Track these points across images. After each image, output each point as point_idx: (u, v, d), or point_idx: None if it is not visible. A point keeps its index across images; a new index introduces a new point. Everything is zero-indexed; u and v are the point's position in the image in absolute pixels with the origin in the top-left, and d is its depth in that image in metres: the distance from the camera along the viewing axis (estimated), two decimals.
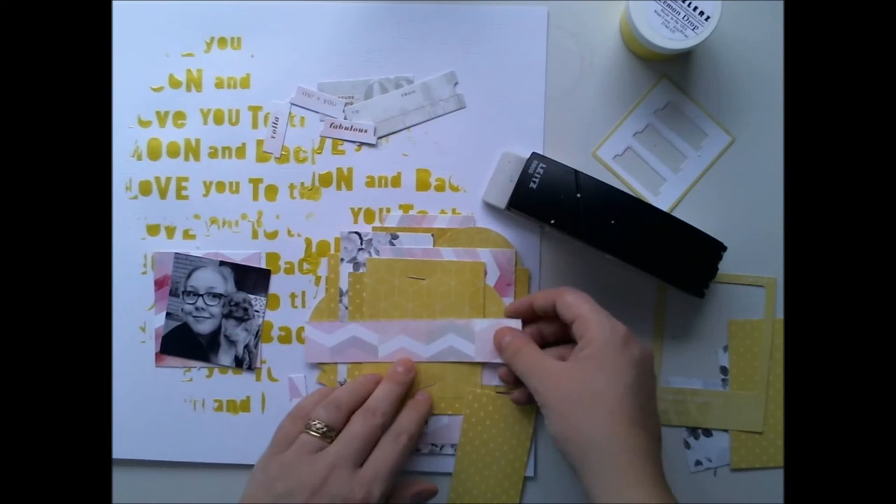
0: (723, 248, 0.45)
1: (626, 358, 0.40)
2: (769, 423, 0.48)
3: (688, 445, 0.49)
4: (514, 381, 0.46)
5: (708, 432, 0.48)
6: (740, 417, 0.48)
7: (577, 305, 0.42)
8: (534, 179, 0.45)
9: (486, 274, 0.48)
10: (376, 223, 0.49)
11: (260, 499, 0.41)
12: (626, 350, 0.40)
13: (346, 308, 0.49)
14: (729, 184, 0.48)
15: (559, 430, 0.40)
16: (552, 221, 0.44)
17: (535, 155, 0.45)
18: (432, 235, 0.49)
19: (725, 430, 0.48)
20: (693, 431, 0.48)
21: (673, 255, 0.45)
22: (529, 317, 0.47)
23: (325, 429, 0.43)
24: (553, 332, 0.46)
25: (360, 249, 0.49)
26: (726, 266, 0.47)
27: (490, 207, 0.49)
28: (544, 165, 0.45)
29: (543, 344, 0.46)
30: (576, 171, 0.45)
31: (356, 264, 0.49)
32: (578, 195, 0.44)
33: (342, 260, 0.49)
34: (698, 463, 0.48)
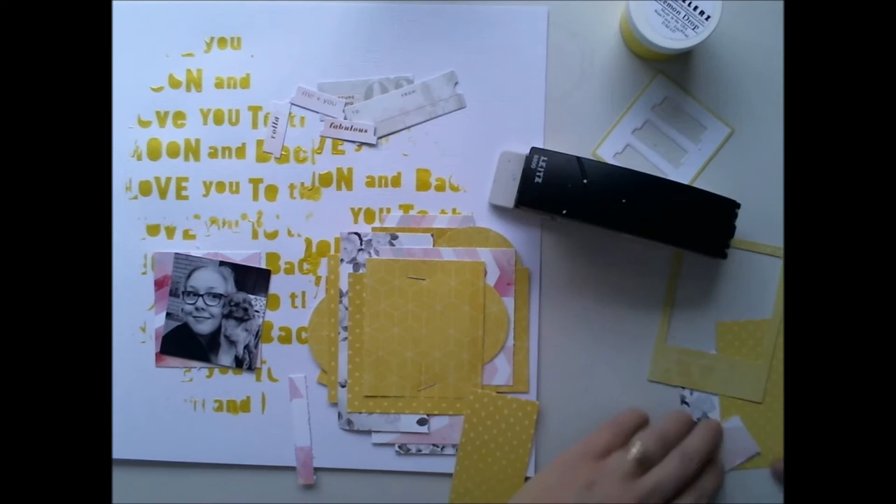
0: (736, 205, 0.45)
1: None
2: (771, 395, 0.48)
3: None
4: None
5: None
6: (741, 386, 0.48)
7: None
8: (538, 174, 0.45)
9: (486, 273, 0.48)
10: (376, 223, 0.49)
11: (565, 492, 0.42)
12: None
13: (347, 309, 0.49)
14: (730, 175, 0.48)
15: None
16: (564, 212, 0.44)
17: (535, 149, 0.45)
18: (432, 235, 0.49)
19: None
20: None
21: (689, 222, 0.44)
22: None
23: (643, 458, 0.43)
24: None
25: (359, 250, 0.49)
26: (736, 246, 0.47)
27: (496, 209, 0.49)
28: (546, 158, 0.45)
29: None
30: (578, 158, 0.44)
31: (356, 265, 0.49)
32: (585, 181, 0.44)
33: (342, 260, 0.49)
34: None
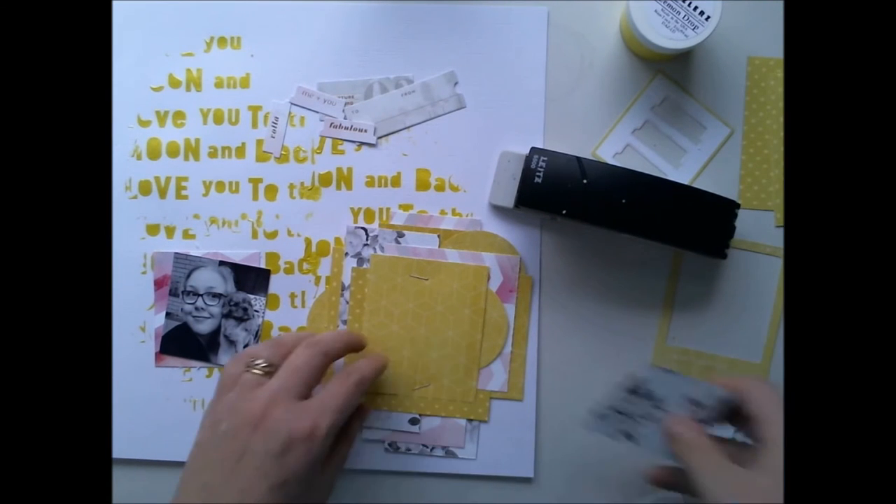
0: (736, 205, 0.45)
1: None
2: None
3: None
4: (664, 485, 0.43)
5: None
6: None
7: (766, 405, 0.39)
8: (537, 174, 0.45)
9: (489, 279, 0.48)
10: (376, 223, 0.49)
11: (207, 441, 0.39)
12: None
13: (348, 303, 0.49)
14: (730, 176, 0.48)
15: None
16: (563, 212, 0.44)
17: (534, 149, 0.45)
18: (438, 236, 0.49)
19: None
20: None
21: (688, 222, 0.44)
22: None
23: (266, 366, 0.41)
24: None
25: (365, 245, 0.49)
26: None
27: (495, 209, 0.49)
28: (545, 158, 0.45)
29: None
30: (578, 158, 0.44)
31: (360, 259, 0.49)
32: (585, 181, 0.44)
33: (346, 254, 0.49)
34: None
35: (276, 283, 0.49)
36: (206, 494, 0.37)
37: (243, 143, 0.49)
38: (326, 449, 0.40)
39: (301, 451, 0.38)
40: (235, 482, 0.37)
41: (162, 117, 0.50)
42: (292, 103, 0.49)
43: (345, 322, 0.49)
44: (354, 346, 0.45)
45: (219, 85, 0.49)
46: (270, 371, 0.41)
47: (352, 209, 0.49)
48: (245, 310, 0.49)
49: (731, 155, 0.48)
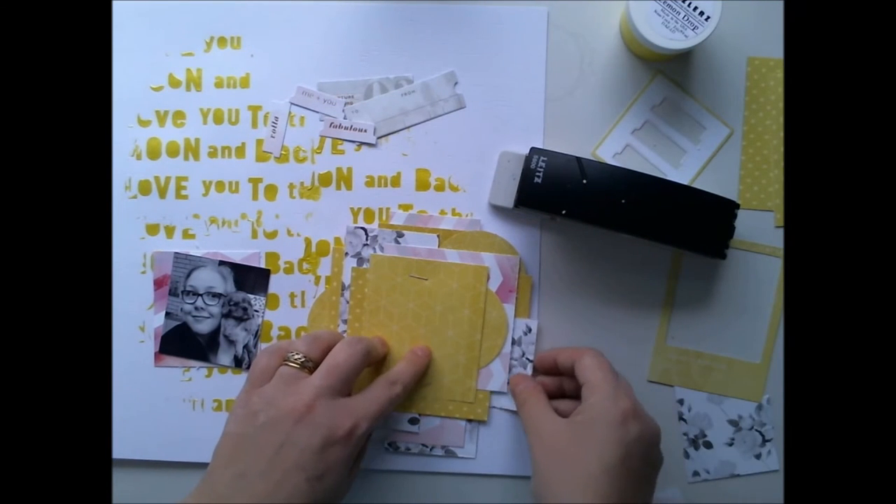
0: (736, 205, 0.45)
1: (617, 435, 0.39)
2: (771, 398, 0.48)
3: (687, 455, 0.48)
4: None
5: (708, 444, 0.48)
6: (740, 386, 0.48)
7: (592, 369, 0.42)
8: (537, 174, 0.45)
9: (488, 279, 0.48)
10: (376, 223, 0.49)
11: (242, 431, 0.40)
12: (621, 428, 0.39)
13: (348, 302, 0.49)
14: (730, 175, 0.48)
15: (536, 486, 0.40)
16: (563, 212, 0.44)
17: (534, 150, 0.45)
18: (438, 236, 0.49)
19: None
20: (693, 442, 0.48)
21: (688, 222, 0.44)
22: (553, 371, 0.47)
23: (303, 359, 0.42)
24: (574, 388, 0.45)
25: (364, 245, 0.49)
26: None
27: (495, 209, 0.49)
28: (545, 158, 0.45)
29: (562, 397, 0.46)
30: (578, 158, 0.44)
31: (360, 259, 0.49)
32: (584, 181, 0.44)
33: (346, 254, 0.49)
34: (696, 474, 0.48)
35: (276, 283, 0.49)
36: (240, 483, 0.38)
37: (243, 143, 0.49)
38: (358, 450, 0.41)
39: (338, 449, 0.39)
40: (272, 473, 0.38)
41: (162, 117, 0.50)
42: (292, 103, 0.49)
43: (345, 322, 0.49)
44: (384, 357, 0.48)
45: (219, 85, 0.49)
46: (308, 366, 0.42)
47: (351, 209, 0.49)
48: (245, 310, 0.49)
49: (731, 155, 0.48)
